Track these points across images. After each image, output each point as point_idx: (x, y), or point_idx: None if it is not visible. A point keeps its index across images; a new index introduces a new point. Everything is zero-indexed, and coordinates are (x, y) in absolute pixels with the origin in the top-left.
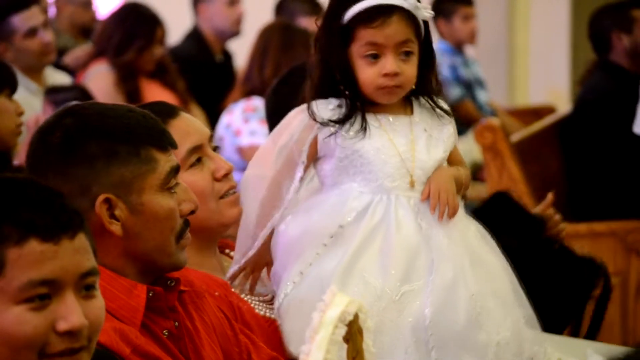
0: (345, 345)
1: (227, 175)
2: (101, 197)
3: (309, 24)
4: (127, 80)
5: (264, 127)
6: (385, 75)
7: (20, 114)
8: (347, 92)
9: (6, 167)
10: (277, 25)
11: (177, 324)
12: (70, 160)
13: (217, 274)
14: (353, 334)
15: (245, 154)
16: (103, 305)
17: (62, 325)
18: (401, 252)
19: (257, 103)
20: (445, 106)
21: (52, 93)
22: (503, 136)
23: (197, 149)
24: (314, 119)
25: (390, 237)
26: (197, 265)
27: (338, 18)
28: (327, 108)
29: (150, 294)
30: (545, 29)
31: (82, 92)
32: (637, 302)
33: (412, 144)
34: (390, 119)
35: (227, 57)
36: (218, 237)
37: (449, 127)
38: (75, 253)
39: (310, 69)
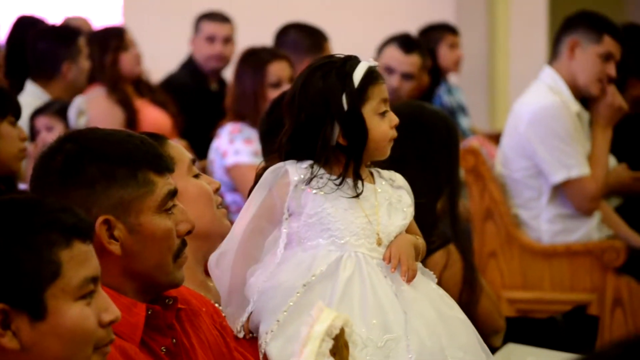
0: (332, 359)
1: (217, 190)
2: (101, 219)
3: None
4: (116, 89)
5: (248, 147)
6: (394, 126)
7: (24, 139)
8: (351, 153)
9: (11, 190)
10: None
11: (174, 341)
12: (71, 183)
13: (201, 291)
14: (339, 347)
15: (231, 173)
16: None
17: (107, 317)
18: (378, 305)
19: (243, 126)
20: (400, 179)
21: (45, 109)
22: (484, 159)
23: (195, 161)
24: (299, 179)
25: (365, 291)
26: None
27: (348, 82)
28: (301, 168)
29: (149, 312)
30: (524, 57)
31: (63, 102)
32: (613, 316)
33: (375, 209)
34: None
35: (222, 85)
36: (209, 252)
37: (406, 197)
38: (94, 251)
39: (283, 132)
